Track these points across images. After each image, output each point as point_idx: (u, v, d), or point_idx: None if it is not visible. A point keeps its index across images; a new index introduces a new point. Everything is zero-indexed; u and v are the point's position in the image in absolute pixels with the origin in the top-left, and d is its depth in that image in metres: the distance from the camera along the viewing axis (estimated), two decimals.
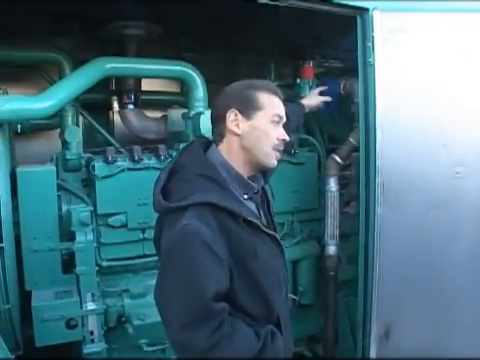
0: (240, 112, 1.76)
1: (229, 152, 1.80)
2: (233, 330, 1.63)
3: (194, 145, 1.87)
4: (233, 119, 1.76)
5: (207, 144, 1.87)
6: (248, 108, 1.77)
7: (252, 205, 1.85)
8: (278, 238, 1.87)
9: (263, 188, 1.98)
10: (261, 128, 1.78)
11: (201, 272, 1.58)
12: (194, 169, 1.74)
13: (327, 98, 3.30)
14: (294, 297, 2.03)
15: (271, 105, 1.80)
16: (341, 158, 3.32)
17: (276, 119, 1.80)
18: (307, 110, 3.16)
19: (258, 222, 1.74)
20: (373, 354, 2.91)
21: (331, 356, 3.55)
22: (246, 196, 1.81)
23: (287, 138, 1.84)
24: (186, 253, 1.59)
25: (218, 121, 1.81)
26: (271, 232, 1.82)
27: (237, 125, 1.76)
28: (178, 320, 1.60)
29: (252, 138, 1.78)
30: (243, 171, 1.81)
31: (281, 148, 1.85)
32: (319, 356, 3.78)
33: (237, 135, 1.77)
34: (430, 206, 2.80)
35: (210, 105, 3.19)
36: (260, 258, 1.71)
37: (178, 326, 1.59)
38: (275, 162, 1.84)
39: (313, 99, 3.28)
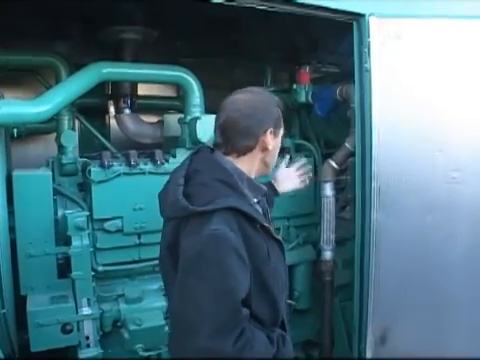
0: (273, 130, 1.83)
1: (248, 164, 1.83)
2: (253, 336, 1.64)
3: (203, 152, 1.87)
4: (271, 137, 1.82)
5: (211, 151, 1.87)
6: (278, 127, 1.86)
7: (259, 209, 1.88)
8: (283, 243, 1.89)
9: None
10: (278, 144, 1.91)
11: (233, 277, 1.58)
12: (211, 174, 1.74)
13: (301, 182, 2.66)
14: (291, 302, 2.04)
15: (282, 123, 1.91)
16: (337, 163, 3.32)
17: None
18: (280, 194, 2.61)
19: (270, 228, 1.78)
20: (369, 358, 2.92)
21: None
22: (256, 200, 1.86)
23: None
24: (217, 259, 1.58)
25: (250, 136, 1.78)
26: (278, 237, 1.85)
27: (269, 143, 1.83)
28: (208, 326, 1.56)
29: (273, 154, 1.90)
30: (253, 178, 1.87)
31: None
32: None
33: (266, 151, 1.84)
34: (426, 211, 2.81)
35: (211, 109, 3.20)
36: (271, 263, 1.74)
37: (207, 333, 1.56)
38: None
39: (286, 185, 2.61)
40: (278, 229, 3.51)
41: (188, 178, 1.77)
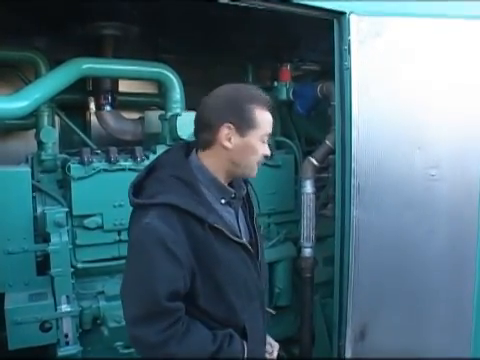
0: (235, 127, 1.72)
1: (213, 160, 1.78)
2: (188, 330, 1.65)
3: (175, 148, 1.88)
4: (227, 133, 1.72)
5: (190, 148, 1.86)
6: (244, 125, 1.73)
7: (230, 211, 1.84)
8: (249, 247, 1.83)
9: (248, 198, 1.99)
10: (252, 146, 1.76)
11: (154, 270, 1.61)
12: (170, 170, 1.74)
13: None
14: (271, 311, 2.04)
15: (265, 124, 1.77)
16: (317, 160, 3.33)
17: (266, 138, 1.80)
18: None
19: (224, 229, 1.72)
20: (349, 355, 2.93)
21: (308, 357, 3.56)
22: (223, 201, 1.81)
23: (269, 154, 1.84)
24: (142, 250, 1.63)
25: (208, 128, 1.74)
26: (241, 240, 1.79)
27: (229, 139, 1.73)
28: (130, 314, 1.66)
29: (241, 154, 1.76)
30: (222, 178, 1.81)
31: (262, 162, 1.86)
32: (295, 358, 3.79)
33: (226, 149, 1.74)
34: (405, 207, 2.83)
35: (192, 106, 3.19)
36: (224, 265, 1.71)
37: (131, 320, 1.65)
38: (255, 174, 1.85)
39: None
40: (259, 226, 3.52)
41: (151, 171, 1.80)
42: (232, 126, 1.72)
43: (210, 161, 1.78)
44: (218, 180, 1.79)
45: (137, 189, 1.77)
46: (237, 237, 1.78)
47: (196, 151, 1.82)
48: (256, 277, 1.88)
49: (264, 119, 1.77)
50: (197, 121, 1.80)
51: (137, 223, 1.67)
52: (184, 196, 1.67)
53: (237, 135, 1.73)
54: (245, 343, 1.78)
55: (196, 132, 1.81)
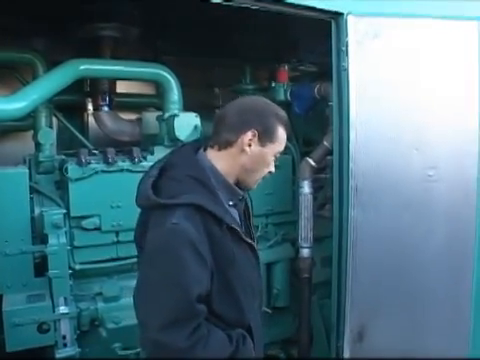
0: (258, 136, 1.77)
1: (226, 162, 1.81)
2: (209, 333, 1.64)
3: (185, 147, 1.89)
4: (250, 138, 1.77)
5: (197, 147, 1.87)
6: (266, 136, 1.79)
7: (235, 212, 1.87)
8: (256, 248, 1.88)
9: (246, 200, 2.00)
10: (265, 158, 1.82)
11: (188, 272, 1.59)
12: (185, 170, 1.75)
13: None
14: (268, 310, 2.03)
15: (282, 142, 1.84)
16: (315, 161, 3.33)
17: (278, 155, 1.87)
18: None
19: (239, 230, 1.76)
20: (347, 355, 2.93)
21: (306, 358, 3.56)
22: (231, 202, 1.84)
23: (273, 171, 1.90)
24: (173, 252, 1.60)
25: (233, 129, 1.78)
26: (250, 241, 1.84)
27: (250, 145, 1.78)
28: (159, 319, 1.59)
29: (255, 162, 1.81)
30: (231, 181, 1.83)
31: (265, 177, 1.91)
32: (294, 358, 3.79)
33: (244, 153, 1.79)
34: (403, 208, 2.84)
35: (190, 107, 3.20)
36: (237, 266, 1.73)
37: (158, 325, 1.59)
38: (255, 187, 1.91)
39: None
40: (257, 227, 3.52)
41: (163, 171, 1.79)
42: (257, 133, 1.77)
43: (222, 163, 1.81)
44: (228, 181, 1.82)
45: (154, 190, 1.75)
46: (247, 237, 1.82)
47: (204, 150, 1.84)
48: (257, 277, 1.93)
49: (282, 137, 1.84)
50: (221, 120, 1.83)
51: (160, 225, 1.64)
52: (204, 196, 1.69)
53: (258, 143, 1.79)
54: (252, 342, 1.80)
55: (217, 131, 1.83)
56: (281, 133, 1.82)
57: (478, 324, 3.05)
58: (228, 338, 1.70)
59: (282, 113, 1.85)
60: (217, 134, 1.82)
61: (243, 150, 1.78)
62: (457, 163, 2.89)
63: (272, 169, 1.87)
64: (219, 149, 1.81)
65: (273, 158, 1.85)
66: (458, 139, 2.89)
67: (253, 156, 1.79)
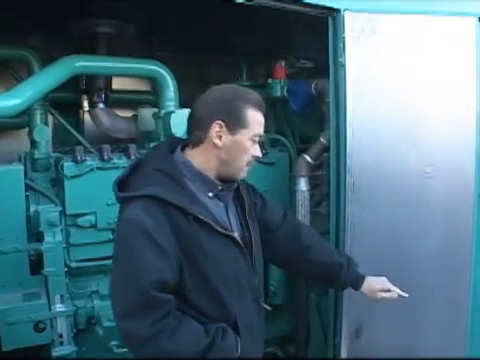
0: (226, 125, 1.74)
1: (203, 158, 1.80)
2: (180, 323, 1.64)
3: (160, 144, 1.93)
4: (218, 130, 1.75)
5: (177, 144, 1.88)
6: (234, 123, 1.75)
7: (219, 204, 1.85)
8: (238, 240, 1.83)
9: (239, 192, 1.97)
10: (242, 145, 1.78)
11: (141, 260, 1.60)
12: (154, 164, 1.77)
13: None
14: (267, 307, 2.03)
15: (256, 124, 1.80)
16: (312, 158, 3.32)
17: (256, 138, 1.82)
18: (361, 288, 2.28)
19: (210, 221, 1.73)
20: (344, 353, 2.93)
21: (303, 356, 3.56)
22: (211, 194, 1.82)
23: (260, 155, 1.86)
24: (126, 242, 1.64)
25: (200, 126, 1.77)
26: (228, 233, 1.80)
27: (220, 137, 1.75)
28: (120, 308, 1.64)
29: (231, 153, 1.78)
30: (212, 176, 1.82)
31: (252, 163, 1.87)
32: (291, 356, 3.79)
33: (216, 147, 1.77)
34: (400, 205, 2.83)
35: (187, 104, 3.18)
36: (210, 258, 1.72)
37: (120, 315, 1.63)
38: (243, 176, 1.88)
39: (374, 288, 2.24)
40: None
41: (137, 167, 1.82)
42: (223, 124, 1.74)
43: (200, 159, 1.80)
44: (204, 174, 1.80)
45: (123, 185, 1.78)
46: (225, 229, 1.78)
47: (182, 148, 1.85)
48: (248, 271, 1.88)
49: (255, 119, 1.79)
50: (190, 119, 1.83)
51: (120, 217, 1.71)
52: (167, 188, 1.69)
53: (228, 133, 1.76)
54: (238, 338, 1.77)
55: (189, 130, 1.83)
56: (252, 115, 1.78)
57: (475, 321, 3.05)
58: (205, 330, 1.69)
59: (251, 95, 1.81)
60: (189, 132, 1.83)
61: (214, 144, 1.75)
62: (454, 160, 2.88)
63: (257, 153, 1.83)
64: (192, 147, 1.81)
65: (252, 142, 1.80)
66: (455, 136, 2.88)
67: (226, 147, 1.77)
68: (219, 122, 1.74)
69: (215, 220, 1.77)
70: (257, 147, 1.84)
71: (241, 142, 1.77)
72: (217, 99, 1.78)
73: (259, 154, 1.85)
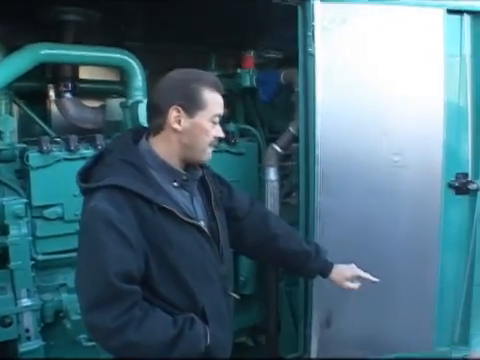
0: (183, 109, 1.74)
1: (165, 145, 1.79)
2: (146, 315, 1.63)
3: (123, 134, 1.92)
4: (176, 115, 1.74)
5: (142, 133, 1.86)
6: (191, 106, 1.75)
7: (184, 194, 1.84)
8: (204, 229, 1.83)
9: (205, 181, 1.96)
10: (201, 127, 1.78)
11: (104, 251, 1.58)
12: (117, 154, 1.75)
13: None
14: (235, 295, 2.03)
15: (214, 105, 1.79)
16: (281, 147, 3.32)
17: (216, 119, 1.81)
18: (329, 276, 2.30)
19: (175, 210, 1.72)
20: (315, 342, 2.95)
21: (274, 346, 3.57)
22: (176, 183, 1.81)
23: (223, 136, 1.87)
24: (91, 233, 1.62)
25: (158, 113, 1.77)
26: (194, 222, 1.79)
27: (179, 121, 1.75)
28: (85, 301, 1.63)
29: (191, 135, 1.78)
30: (177, 163, 1.82)
31: (216, 144, 1.87)
32: (262, 345, 3.80)
33: (176, 132, 1.76)
34: (370, 194, 2.85)
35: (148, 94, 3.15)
36: (176, 248, 1.71)
37: (86, 307, 1.62)
38: (208, 158, 1.87)
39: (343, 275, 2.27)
40: None
41: (100, 158, 1.80)
42: (180, 108, 1.74)
43: (162, 146, 1.79)
44: (168, 163, 1.79)
45: (87, 176, 1.76)
46: (190, 219, 1.78)
47: (147, 137, 1.83)
48: (216, 261, 1.88)
49: (213, 100, 1.79)
50: (148, 107, 1.84)
51: (84, 208, 1.69)
52: (131, 178, 1.67)
53: (186, 117, 1.75)
54: (207, 327, 1.77)
55: (149, 118, 1.84)
56: (209, 95, 1.77)
57: (442, 309, 3.10)
58: (172, 321, 1.68)
59: (206, 76, 1.82)
60: (149, 121, 1.83)
61: (174, 129, 1.75)
62: (423, 149, 2.91)
63: (219, 134, 1.83)
64: (154, 135, 1.80)
65: (212, 124, 1.80)
66: (424, 125, 2.90)
67: (187, 131, 1.76)
68: (176, 107, 1.73)
69: (180, 209, 1.76)
70: (218, 128, 1.83)
71: (200, 124, 1.77)
72: (171, 84, 1.78)
73: (221, 134, 1.85)
